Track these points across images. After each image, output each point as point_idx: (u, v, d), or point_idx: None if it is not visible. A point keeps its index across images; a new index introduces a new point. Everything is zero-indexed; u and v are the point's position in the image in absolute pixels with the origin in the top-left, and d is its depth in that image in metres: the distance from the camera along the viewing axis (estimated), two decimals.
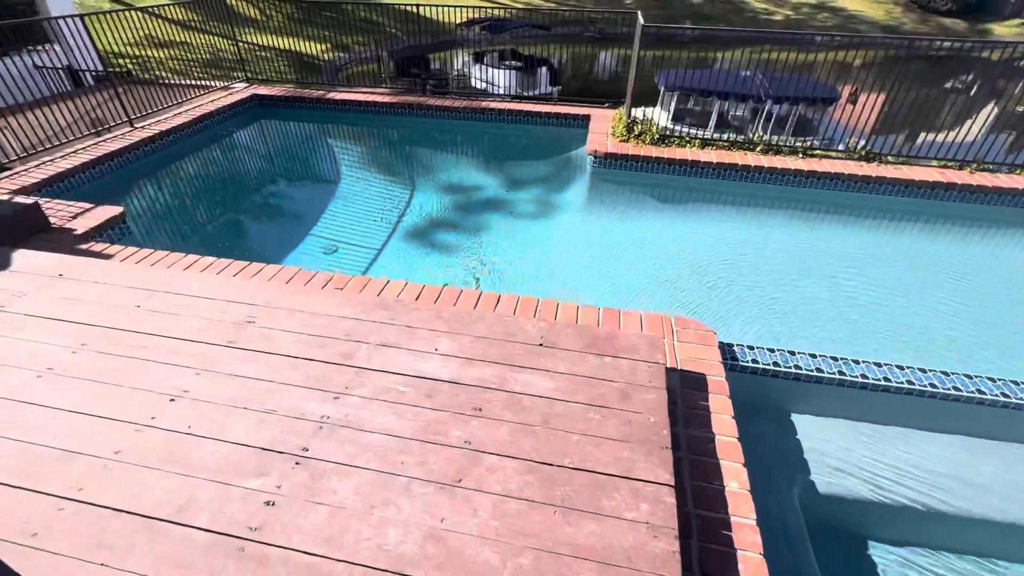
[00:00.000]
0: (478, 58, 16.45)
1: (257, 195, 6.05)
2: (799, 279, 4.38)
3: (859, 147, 5.40)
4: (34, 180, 4.52)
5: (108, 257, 3.43)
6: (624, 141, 5.60)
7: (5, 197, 4.09)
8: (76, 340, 2.35)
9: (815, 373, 2.71)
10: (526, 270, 4.57)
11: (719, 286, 4.25)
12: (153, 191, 5.67)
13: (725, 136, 5.66)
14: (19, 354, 2.28)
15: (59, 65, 8.28)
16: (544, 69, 15.76)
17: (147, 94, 6.21)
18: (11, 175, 4.60)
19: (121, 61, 11.22)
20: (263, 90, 7.29)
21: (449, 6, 8.13)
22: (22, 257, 2.95)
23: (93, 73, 8.18)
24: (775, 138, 5.53)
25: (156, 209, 5.36)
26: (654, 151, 5.41)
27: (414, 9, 7.33)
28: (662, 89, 6.93)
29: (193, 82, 7.18)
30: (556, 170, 6.51)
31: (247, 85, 7.54)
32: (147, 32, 7.61)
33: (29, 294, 2.66)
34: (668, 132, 5.76)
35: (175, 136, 5.92)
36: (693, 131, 5.75)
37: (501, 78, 14.94)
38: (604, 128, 6.07)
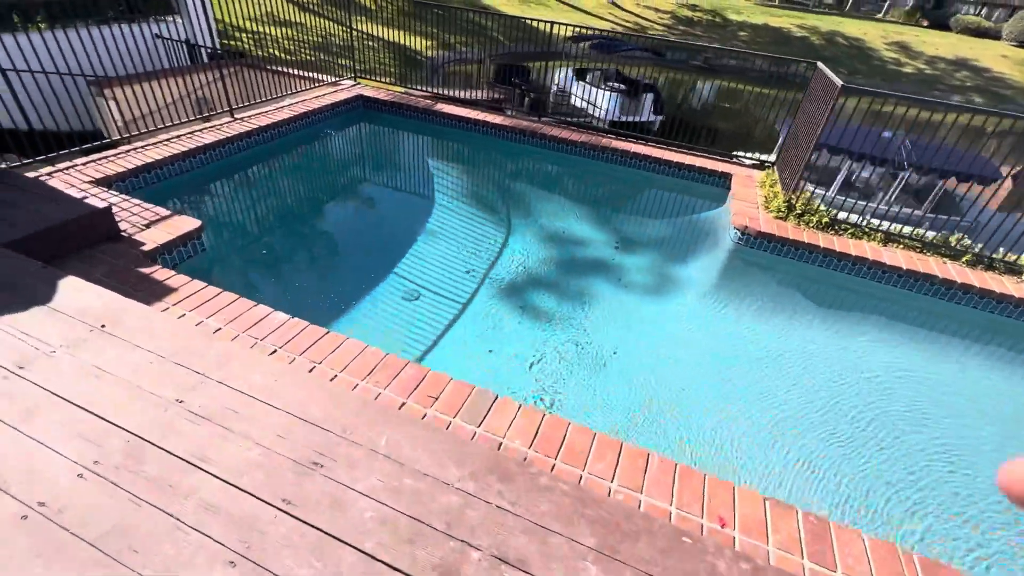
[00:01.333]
0: (580, 75, 15.65)
1: (344, 214, 5.50)
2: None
3: None
4: (119, 169, 4.12)
5: (169, 292, 2.86)
6: (781, 219, 4.58)
7: (82, 191, 3.68)
8: (89, 451, 1.71)
9: None
10: (636, 369, 3.67)
11: (898, 452, 3.16)
12: (236, 198, 5.24)
13: (913, 232, 4.50)
14: (12, 469, 1.66)
15: (179, 38, 8.24)
16: (650, 95, 14.77)
17: (255, 79, 5.81)
18: (98, 160, 4.23)
19: (239, 35, 11.35)
20: (369, 91, 6.81)
21: (564, 24, 7.42)
22: (69, 290, 2.41)
23: (208, 50, 8.08)
24: (979, 246, 4.32)
25: (235, 223, 4.90)
26: (821, 239, 4.36)
27: (541, 27, 6.64)
28: (783, 137, 6.10)
29: (303, 72, 6.80)
30: (681, 236, 5.54)
31: (354, 83, 7.11)
32: (268, 9, 7.43)
33: (58, 352, 2.08)
34: (836, 214, 4.65)
35: (273, 132, 5.49)
36: (875, 220, 4.60)
37: (603, 99, 14.11)
38: (751, 195, 5.06)
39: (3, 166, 3.71)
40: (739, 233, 4.55)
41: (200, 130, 5.06)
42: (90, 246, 3.14)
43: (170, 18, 8.48)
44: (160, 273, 3.00)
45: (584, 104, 14.53)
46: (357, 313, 4.02)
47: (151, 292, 2.83)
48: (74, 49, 4.30)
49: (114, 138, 4.63)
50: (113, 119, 5.40)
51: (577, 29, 6.04)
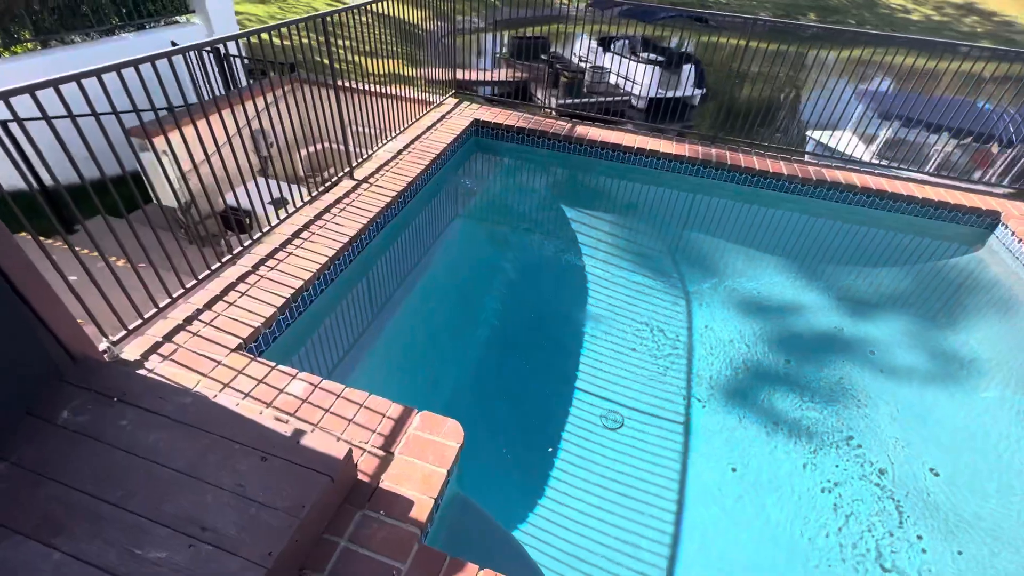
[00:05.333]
0: (605, 45, 14.09)
1: (498, 306, 4.10)
2: None
3: None
4: (264, 311, 2.64)
5: None
6: None
7: (256, 405, 2.23)
8: None
9: None
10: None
11: None
12: (419, 327, 3.72)
13: None
14: None
15: (204, 45, 6.44)
16: (690, 67, 13.40)
17: (336, 104, 3.80)
18: (223, 293, 2.73)
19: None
20: (485, 114, 5.26)
21: None
22: None
23: (245, 61, 6.30)
24: None
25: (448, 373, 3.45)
26: None
27: None
28: (870, 115, 6.28)
29: (390, 90, 5.14)
30: (947, 296, 4.37)
31: (456, 101, 5.52)
32: None
33: None
34: None
35: (406, 196, 3.99)
36: None
37: (640, 74, 12.69)
38: None
39: (105, 348, 2.24)
40: None
41: (332, 218, 3.52)
42: (327, 528, 1.79)
43: (184, 19, 6.64)
44: None
45: (621, 81, 13.05)
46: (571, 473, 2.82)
47: None
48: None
49: (169, 205, 3.13)
50: (168, 180, 3.86)
51: None
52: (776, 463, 2.96)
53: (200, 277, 2.68)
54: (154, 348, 2.36)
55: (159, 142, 4.16)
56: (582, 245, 4.69)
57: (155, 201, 3.44)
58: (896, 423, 3.19)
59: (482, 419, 3.19)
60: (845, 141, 9.37)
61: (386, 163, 4.15)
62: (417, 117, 4.84)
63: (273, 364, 2.34)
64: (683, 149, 4.91)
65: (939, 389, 3.48)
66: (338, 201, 3.60)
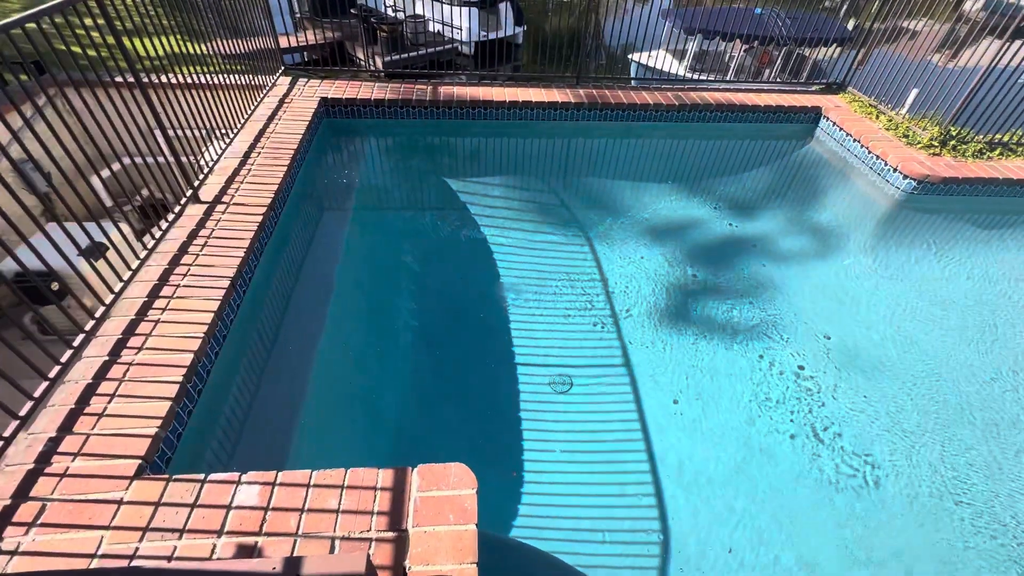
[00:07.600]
0: None
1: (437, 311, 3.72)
2: None
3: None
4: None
5: None
6: (936, 154, 4.25)
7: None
8: None
9: None
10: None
11: None
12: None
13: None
14: None
15: None
16: (506, 5, 13.46)
17: (113, 104, 2.74)
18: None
19: None
20: (330, 89, 4.51)
21: None
22: None
23: None
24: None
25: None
26: (1000, 170, 4.14)
27: None
28: (676, 32, 7.06)
29: (196, 79, 4.05)
30: (796, 185, 4.93)
31: (291, 78, 4.63)
32: None
33: None
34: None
35: (277, 211, 3.29)
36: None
37: (460, 18, 12.50)
38: (872, 131, 4.62)
39: None
40: (915, 182, 4.13)
41: (192, 250, 2.72)
42: None
43: None
44: None
45: (442, 28, 12.61)
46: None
47: None
48: None
49: None
50: None
51: None
52: (715, 369, 3.19)
53: (36, 394, 1.91)
54: (6, 517, 1.64)
55: None
56: (478, 216, 4.42)
57: None
58: (790, 301, 3.64)
59: (437, 429, 2.93)
60: (661, 59, 10.09)
61: (236, 173, 3.36)
62: (252, 107, 3.98)
63: (201, 476, 1.79)
64: (553, 95, 4.78)
65: (812, 263, 4.03)
66: (193, 236, 2.82)
